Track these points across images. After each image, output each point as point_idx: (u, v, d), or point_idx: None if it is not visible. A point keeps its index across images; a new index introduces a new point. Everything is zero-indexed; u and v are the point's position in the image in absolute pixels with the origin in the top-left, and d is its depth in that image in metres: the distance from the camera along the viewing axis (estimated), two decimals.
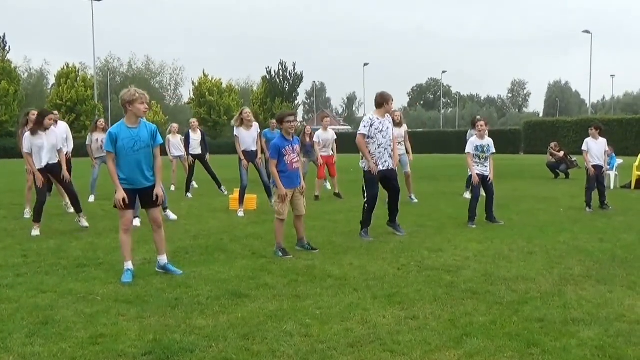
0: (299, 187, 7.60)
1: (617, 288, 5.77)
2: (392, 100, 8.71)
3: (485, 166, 10.07)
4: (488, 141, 10.17)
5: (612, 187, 16.61)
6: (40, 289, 5.72)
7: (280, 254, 7.35)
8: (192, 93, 67.70)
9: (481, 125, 10.16)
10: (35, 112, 9.47)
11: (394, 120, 11.69)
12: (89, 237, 8.69)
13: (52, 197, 13.49)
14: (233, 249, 7.78)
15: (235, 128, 11.45)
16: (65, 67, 56.20)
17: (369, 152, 8.50)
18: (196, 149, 15.23)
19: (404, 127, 12.97)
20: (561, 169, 20.88)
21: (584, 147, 12.01)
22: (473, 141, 10.12)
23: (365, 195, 8.65)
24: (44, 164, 8.97)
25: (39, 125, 8.95)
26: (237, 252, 7.58)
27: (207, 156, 15.35)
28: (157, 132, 6.32)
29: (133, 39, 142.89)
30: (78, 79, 55.74)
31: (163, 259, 6.48)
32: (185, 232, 9.07)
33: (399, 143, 12.31)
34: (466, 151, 10.15)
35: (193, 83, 67.72)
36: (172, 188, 16.25)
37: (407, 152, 13.04)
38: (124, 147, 6.08)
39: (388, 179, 8.73)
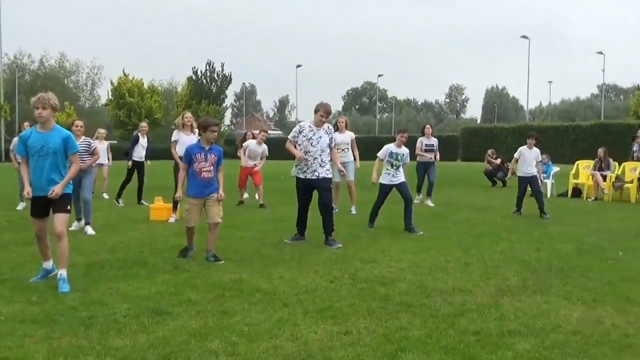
0: (217, 195, 7.71)
1: (553, 298, 6.00)
2: (325, 112, 8.89)
3: (396, 176, 10.33)
4: (404, 150, 10.42)
5: (549, 195, 17.26)
6: None
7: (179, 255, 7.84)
8: (110, 94, 66.22)
9: (403, 136, 10.45)
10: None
11: (336, 127, 12.01)
12: None
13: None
14: (154, 263, 7.63)
15: (175, 132, 11.51)
16: None
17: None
18: (142, 155, 15.15)
19: (350, 134, 12.94)
20: (498, 177, 21.56)
21: (516, 155, 13.02)
22: (388, 147, 10.36)
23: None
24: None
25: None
26: (158, 266, 7.43)
27: (147, 162, 15.41)
28: (70, 138, 6.36)
29: (47, 35, 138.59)
30: None
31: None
32: (102, 245, 8.83)
33: (343, 150, 12.45)
34: (378, 155, 10.42)
35: (112, 83, 66.24)
36: (106, 196, 16.28)
37: (355, 159, 13.07)
38: (31, 150, 6.25)
39: (321, 188, 8.89)
